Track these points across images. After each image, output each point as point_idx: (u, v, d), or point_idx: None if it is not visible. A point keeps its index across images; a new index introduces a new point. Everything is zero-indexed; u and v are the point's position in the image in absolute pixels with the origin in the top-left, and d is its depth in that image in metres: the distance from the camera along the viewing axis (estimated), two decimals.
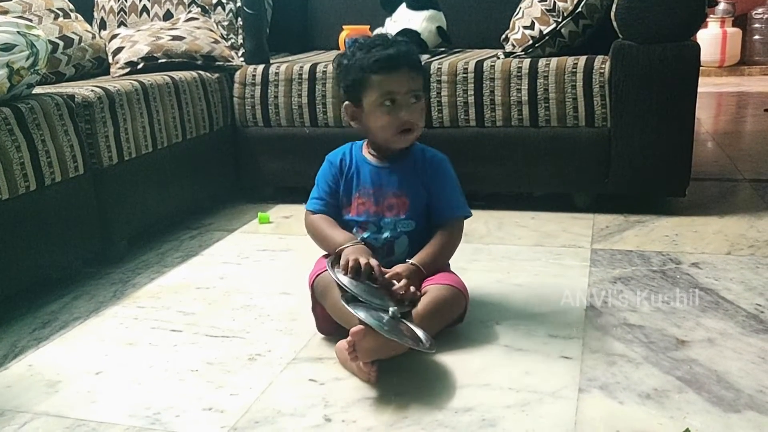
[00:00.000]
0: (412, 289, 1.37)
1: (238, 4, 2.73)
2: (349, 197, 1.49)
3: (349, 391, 1.25)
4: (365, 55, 1.41)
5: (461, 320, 1.44)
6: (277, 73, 2.38)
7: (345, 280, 1.33)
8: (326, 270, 1.38)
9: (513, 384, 1.25)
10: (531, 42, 2.20)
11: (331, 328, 1.42)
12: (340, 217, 1.50)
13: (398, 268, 1.40)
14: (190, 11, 2.72)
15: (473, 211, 1.55)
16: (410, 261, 1.42)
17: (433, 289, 1.39)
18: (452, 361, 1.33)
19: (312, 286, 1.43)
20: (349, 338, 1.23)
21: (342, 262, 1.37)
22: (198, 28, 2.55)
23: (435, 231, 1.48)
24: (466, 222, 1.53)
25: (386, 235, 1.46)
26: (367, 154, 1.51)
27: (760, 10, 6.00)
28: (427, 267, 1.42)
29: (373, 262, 1.36)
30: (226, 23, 2.75)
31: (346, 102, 1.46)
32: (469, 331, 1.45)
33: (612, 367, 1.28)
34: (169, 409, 1.22)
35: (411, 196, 1.47)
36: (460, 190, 1.52)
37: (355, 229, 1.48)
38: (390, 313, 1.27)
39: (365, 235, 1.47)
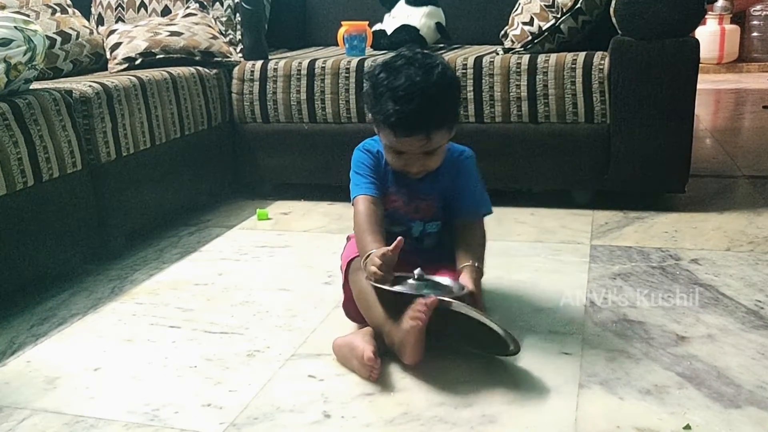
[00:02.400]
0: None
1: None
2: (383, 191, 1.46)
3: (348, 387, 1.24)
4: (387, 95, 1.30)
5: None
6: (275, 69, 2.37)
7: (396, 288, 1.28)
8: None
9: (513, 380, 1.24)
10: (530, 38, 2.20)
11: (354, 312, 1.40)
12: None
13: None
14: (188, 7, 2.71)
15: None
16: (466, 289, 1.32)
17: None
18: (452, 357, 1.32)
19: (347, 268, 1.40)
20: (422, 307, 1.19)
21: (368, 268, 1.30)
22: (196, 23, 2.54)
23: (459, 231, 1.45)
24: None
25: (416, 235, 1.48)
26: None
27: (758, 7, 6.00)
28: (477, 260, 1.39)
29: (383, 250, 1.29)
30: (224, 19, 2.74)
31: (370, 115, 1.40)
32: None
33: (612, 363, 1.28)
34: (168, 405, 1.21)
35: (438, 199, 1.46)
36: (482, 187, 1.50)
37: (386, 221, 1.45)
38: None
39: (396, 229, 1.47)
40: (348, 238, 1.55)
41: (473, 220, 1.47)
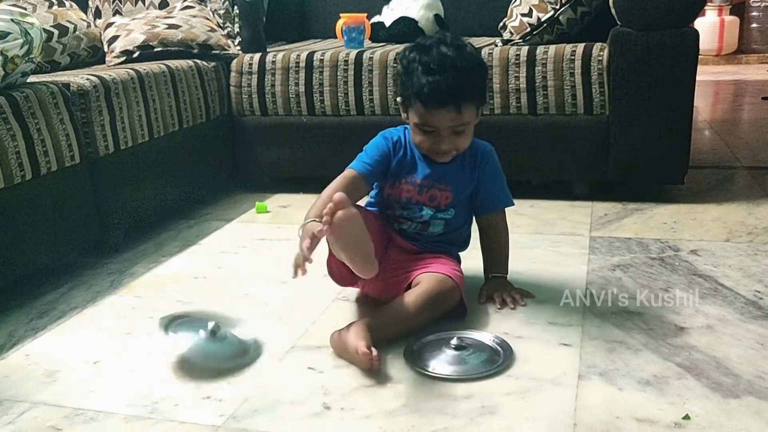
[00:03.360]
0: (509, 299, 1.49)
1: None
2: (395, 179, 1.49)
3: (348, 379, 1.24)
4: (419, 70, 1.34)
5: (464, 316, 1.44)
6: (273, 62, 2.37)
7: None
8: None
9: (512, 371, 1.24)
10: (529, 29, 2.19)
11: (339, 275, 1.44)
12: (376, 188, 1.52)
13: (486, 291, 1.53)
14: (185, 0, 2.70)
15: None
16: (490, 275, 1.56)
17: (426, 279, 1.40)
18: None
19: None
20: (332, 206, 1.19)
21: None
22: (194, 16, 2.53)
23: (484, 230, 1.56)
24: None
25: (424, 219, 1.49)
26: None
27: None
28: (503, 269, 1.57)
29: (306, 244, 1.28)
30: (222, 12, 2.73)
31: (399, 98, 1.44)
32: (468, 318, 1.44)
33: (611, 354, 1.28)
34: (168, 398, 1.21)
35: (455, 190, 1.48)
36: (504, 180, 1.55)
37: (396, 206, 1.50)
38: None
39: (404, 212, 1.49)
40: None
41: (496, 216, 1.55)
